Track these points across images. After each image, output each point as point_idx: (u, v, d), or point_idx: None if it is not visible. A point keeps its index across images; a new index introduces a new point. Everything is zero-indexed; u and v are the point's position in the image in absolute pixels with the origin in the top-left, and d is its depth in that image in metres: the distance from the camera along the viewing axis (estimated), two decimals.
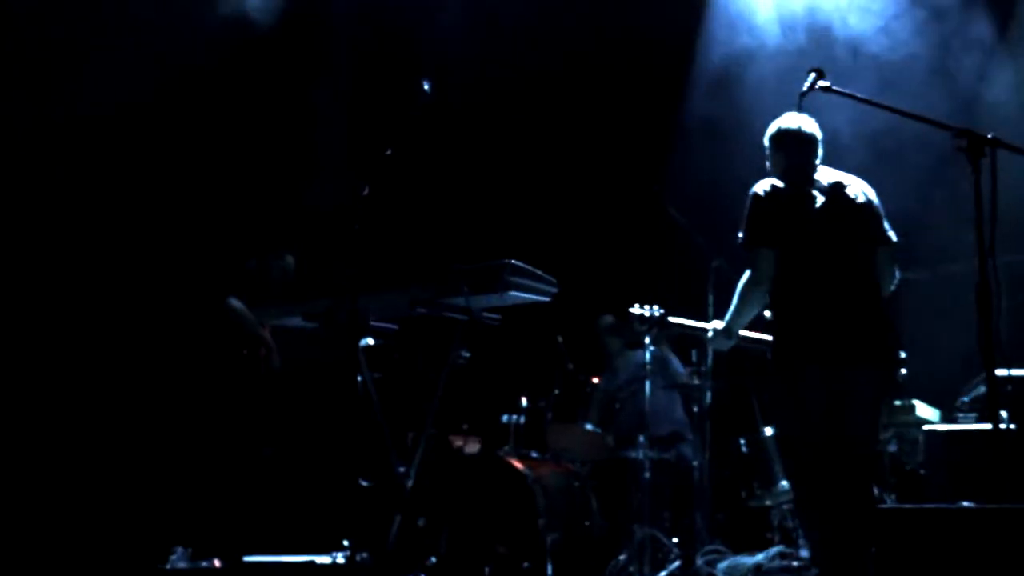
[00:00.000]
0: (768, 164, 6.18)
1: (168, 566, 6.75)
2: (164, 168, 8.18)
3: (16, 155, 7.66)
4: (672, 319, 7.14)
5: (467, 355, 7.60)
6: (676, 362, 8.36)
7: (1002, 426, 6.38)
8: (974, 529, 3.94)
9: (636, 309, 7.19)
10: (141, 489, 7.55)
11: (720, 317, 6.40)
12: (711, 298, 7.57)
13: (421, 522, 6.88)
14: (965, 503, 4.15)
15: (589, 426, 7.91)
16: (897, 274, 6.00)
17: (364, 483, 6.24)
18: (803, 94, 5.46)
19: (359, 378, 5.99)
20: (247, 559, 6.77)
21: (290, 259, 7.90)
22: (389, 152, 5.44)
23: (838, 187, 6.00)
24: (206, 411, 7.39)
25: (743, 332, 6.45)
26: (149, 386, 7.79)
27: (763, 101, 7.55)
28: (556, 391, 8.12)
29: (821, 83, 5.41)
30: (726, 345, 6.41)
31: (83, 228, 7.91)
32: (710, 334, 6.33)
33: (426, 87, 5.62)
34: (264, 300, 7.04)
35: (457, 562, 7.10)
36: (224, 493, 7.19)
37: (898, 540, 3.92)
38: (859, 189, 6.01)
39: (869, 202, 6.00)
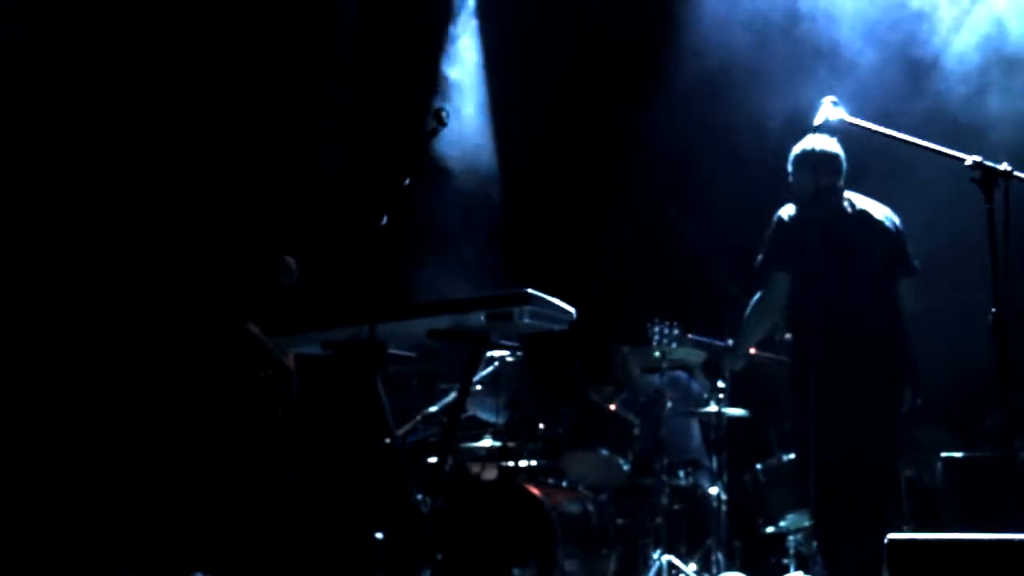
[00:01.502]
0: (792, 186, 6.21)
1: None
2: (177, 190, 8.24)
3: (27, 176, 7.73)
4: (690, 335, 7.22)
5: (480, 385, 7.66)
6: (699, 385, 8.35)
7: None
8: (990, 560, 3.94)
9: (655, 326, 7.27)
10: (160, 514, 7.58)
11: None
12: (728, 323, 7.59)
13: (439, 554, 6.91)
14: (981, 533, 4.15)
15: (605, 452, 7.92)
16: (919, 303, 6.03)
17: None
18: (816, 127, 5.49)
19: (376, 405, 6.01)
20: None
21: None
22: (407, 182, 5.47)
23: (863, 213, 6.04)
24: (226, 436, 7.43)
25: (754, 351, 6.52)
26: (170, 412, 7.83)
27: (779, 122, 7.56)
28: (573, 417, 8.16)
29: (834, 112, 5.44)
30: (736, 364, 6.49)
31: (100, 253, 7.97)
32: (725, 352, 6.41)
33: (444, 115, 5.65)
34: (283, 326, 7.07)
35: None
36: (244, 518, 7.21)
37: (912, 571, 3.92)
38: (884, 216, 6.04)
39: (894, 230, 6.03)
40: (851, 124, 5.38)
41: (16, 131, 7.64)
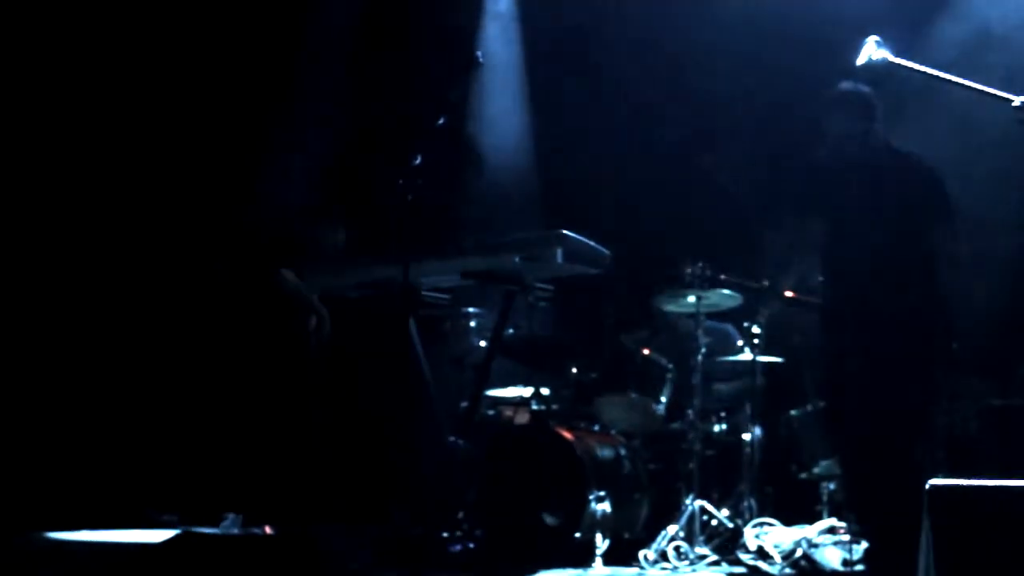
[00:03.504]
0: (825, 129, 6.12)
1: (219, 532, 6.79)
2: (212, 141, 8.20)
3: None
4: (723, 277, 7.18)
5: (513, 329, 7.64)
6: (733, 331, 8.28)
7: None
8: None
9: (689, 267, 7.22)
10: (193, 457, 7.61)
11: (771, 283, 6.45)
12: (761, 266, 7.53)
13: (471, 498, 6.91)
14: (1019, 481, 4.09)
15: (638, 396, 7.89)
16: (960, 248, 5.94)
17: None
18: (860, 67, 5.38)
19: (409, 347, 6.00)
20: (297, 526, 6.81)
21: (342, 233, 7.91)
22: (442, 122, 5.41)
23: (898, 156, 5.94)
24: (259, 380, 7.43)
25: (790, 293, 6.47)
26: (203, 357, 7.84)
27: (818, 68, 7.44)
28: (606, 361, 8.12)
29: (877, 52, 5.32)
30: (772, 306, 6.45)
31: (133, 203, 7.96)
32: (760, 293, 6.39)
33: (479, 55, 5.59)
34: (315, 269, 7.05)
35: (505, 533, 7.11)
36: (276, 461, 7.23)
37: (953, 517, 3.88)
38: (920, 159, 5.94)
39: (930, 173, 5.93)
40: (895, 64, 5.26)
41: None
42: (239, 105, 8.19)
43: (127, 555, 4.73)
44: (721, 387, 8.06)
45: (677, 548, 7.06)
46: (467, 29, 9.15)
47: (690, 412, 7.57)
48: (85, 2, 7.78)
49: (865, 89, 5.92)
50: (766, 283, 6.77)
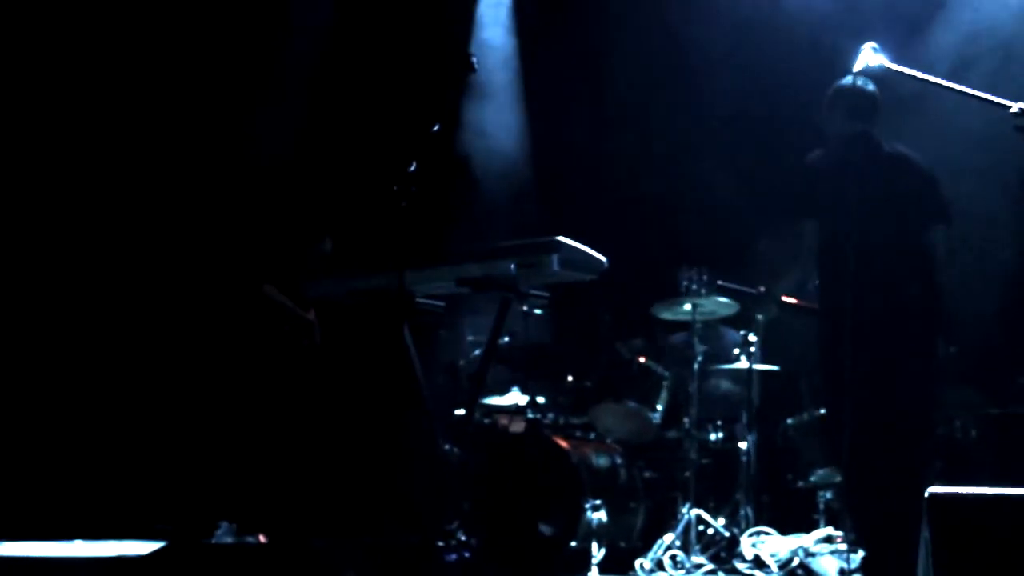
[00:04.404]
0: (823, 129, 6.06)
1: (213, 541, 6.75)
2: (198, 154, 8.15)
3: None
4: (719, 283, 7.15)
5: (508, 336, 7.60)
6: (731, 335, 8.23)
7: None
8: None
9: (684, 273, 7.19)
10: (187, 466, 7.57)
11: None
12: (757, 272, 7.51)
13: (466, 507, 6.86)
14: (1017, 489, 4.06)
15: (634, 405, 7.86)
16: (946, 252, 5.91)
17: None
18: (856, 74, 5.35)
19: (404, 355, 5.95)
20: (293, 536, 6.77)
21: (328, 244, 7.87)
22: (436, 128, 5.38)
23: (897, 159, 5.88)
24: (250, 388, 7.40)
25: (787, 299, 6.44)
26: (196, 367, 7.81)
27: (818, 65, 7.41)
28: (602, 369, 8.09)
29: (874, 58, 5.30)
30: (769, 312, 6.41)
31: (121, 216, 7.91)
32: (756, 299, 6.35)
33: (474, 60, 5.54)
34: (307, 277, 7.01)
35: (501, 542, 7.07)
36: (269, 469, 7.19)
37: (953, 526, 3.84)
38: (919, 162, 5.89)
39: (929, 176, 5.88)
40: (892, 70, 5.24)
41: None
42: (223, 110, 8.14)
43: (111, 569, 4.66)
44: (721, 392, 8.03)
45: (673, 557, 7.03)
46: (460, 32, 9.12)
47: (686, 420, 7.54)
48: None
49: (867, 87, 5.82)
50: (762, 289, 6.73)
